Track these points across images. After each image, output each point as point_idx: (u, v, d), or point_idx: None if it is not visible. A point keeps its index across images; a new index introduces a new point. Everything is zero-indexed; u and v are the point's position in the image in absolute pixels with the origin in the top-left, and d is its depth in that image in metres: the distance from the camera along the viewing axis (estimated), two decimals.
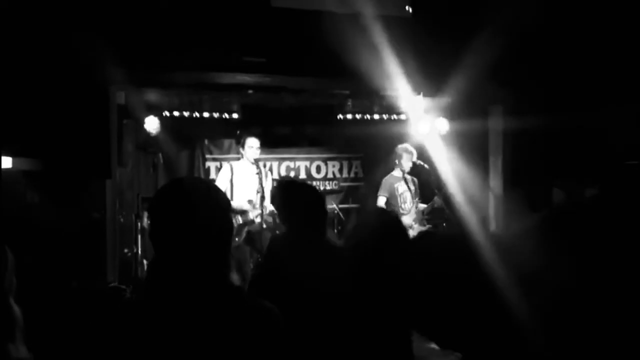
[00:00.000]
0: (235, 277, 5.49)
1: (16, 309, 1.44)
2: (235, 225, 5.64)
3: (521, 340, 0.78)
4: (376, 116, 7.60)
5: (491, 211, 6.93)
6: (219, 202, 1.59)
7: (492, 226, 6.78)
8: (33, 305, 1.63)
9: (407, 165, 6.52)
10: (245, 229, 5.70)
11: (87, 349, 1.49)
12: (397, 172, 6.59)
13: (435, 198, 6.46)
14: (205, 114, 7.18)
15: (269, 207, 5.84)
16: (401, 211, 6.49)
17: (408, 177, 6.61)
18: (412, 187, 6.59)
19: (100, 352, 1.46)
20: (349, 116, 7.63)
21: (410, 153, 6.54)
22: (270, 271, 2.61)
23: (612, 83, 5.34)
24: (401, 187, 6.55)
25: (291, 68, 5.31)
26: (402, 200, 6.51)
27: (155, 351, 1.40)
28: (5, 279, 1.42)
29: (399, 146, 6.64)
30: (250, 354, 1.44)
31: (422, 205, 6.60)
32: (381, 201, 6.60)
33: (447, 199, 6.46)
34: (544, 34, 5.21)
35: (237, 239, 5.63)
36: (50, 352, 1.50)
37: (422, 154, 6.81)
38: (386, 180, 6.65)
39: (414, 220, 6.39)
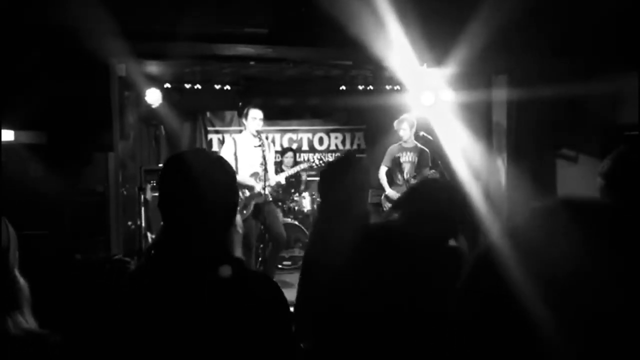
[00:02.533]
0: (239, 250, 5.54)
1: (22, 280, 1.45)
2: (242, 199, 5.67)
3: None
4: (379, 87, 7.54)
5: (495, 183, 6.92)
6: (226, 173, 1.60)
7: (494, 197, 6.77)
8: (37, 279, 1.64)
9: (406, 135, 6.53)
10: (253, 202, 5.73)
11: (91, 320, 1.51)
12: (403, 143, 6.61)
13: (430, 172, 6.46)
14: (207, 86, 7.14)
15: (273, 179, 5.86)
16: (397, 182, 6.52)
17: (416, 147, 6.59)
18: (415, 159, 6.57)
19: (104, 322, 1.47)
20: (352, 87, 7.57)
21: (409, 123, 6.53)
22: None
23: (618, 51, 5.28)
24: (403, 158, 6.57)
25: (293, 39, 5.24)
26: (400, 170, 6.54)
27: (156, 321, 1.42)
28: (9, 252, 1.43)
29: (400, 117, 6.65)
30: (252, 323, 1.45)
31: None
32: (382, 170, 6.65)
33: (449, 170, 6.45)
34: (550, 1, 5.13)
35: (244, 212, 5.66)
36: (55, 324, 1.52)
37: (425, 125, 6.78)
38: (390, 149, 6.67)
39: None
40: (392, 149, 6.66)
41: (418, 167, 6.55)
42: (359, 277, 2.12)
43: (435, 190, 2.29)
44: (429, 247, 2.10)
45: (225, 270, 1.46)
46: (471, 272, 0.78)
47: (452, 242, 2.17)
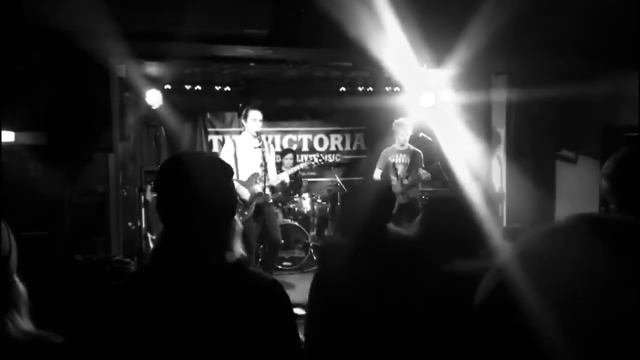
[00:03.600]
0: (240, 248, 5.53)
1: (21, 286, 1.46)
2: (246, 200, 5.68)
3: None
4: (379, 88, 7.55)
5: (495, 183, 6.93)
6: (222, 175, 1.60)
7: (494, 198, 6.77)
8: (37, 280, 1.65)
9: (402, 138, 6.57)
10: (254, 202, 5.74)
11: (91, 321, 1.51)
12: (395, 145, 6.65)
13: (421, 172, 6.47)
14: (207, 87, 7.15)
15: (274, 178, 5.86)
16: (391, 182, 6.55)
17: (409, 149, 6.62)
18: (408, 160, 6.61)
19: (105, 323, 1.48)
20: (352, 88, 7.57)
21: (405, 126, 6.56)
22: None
23: (618, 51, 5.28)
24: (396, 159, 6.62)
25: (293, 40, 5.25)
26: (393, 172, 6.58)
27: (157, 322, 1.42)
28: (10, 259, 1.44)
29: (396, 121, 6.68)
30: (254, 323, 1.46)
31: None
32: (376, 173, 6.70)
33: (448, 171, 6.47)
34: (550, 2, 5.14)
35: (246, 213, 5.68)
36: (55, 325, 1.52)
37: (425, 126, 6.79)
38: (384, 152, 6.73)
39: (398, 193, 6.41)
40: (386, 152, 6.71)
41: (410, 167, 6.59)
42: (373, 293, 2.13)
43: (452, 211, 2.29)
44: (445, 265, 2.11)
45: (226, 270, 1.47)
46: (486, 294, 0.75)
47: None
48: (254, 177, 5.75)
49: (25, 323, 1.44)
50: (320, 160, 6.54)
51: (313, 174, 8.44)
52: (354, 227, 2.42)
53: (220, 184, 1.57)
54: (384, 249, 2.30)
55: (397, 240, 2.38)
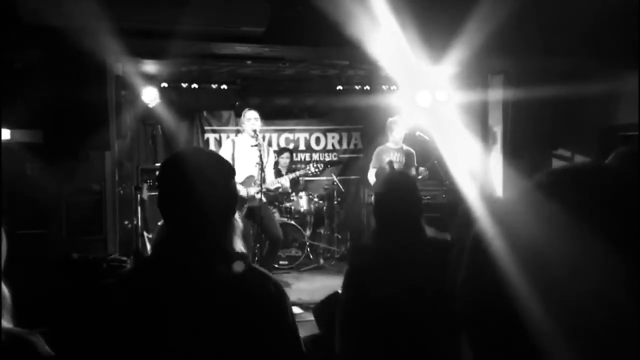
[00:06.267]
0: (240, 245, 5.53)
1: (4, 288, 1.48)
2: (243, 197, 5.69)
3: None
4: (375, 87, 7.54)
5: (491, 183, 6.93)
6: (224, 169, 1.62)
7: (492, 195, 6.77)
8: (33, 278, 1.65)
9: (397, 136, 6.57)
10: (246, 205, 5.74)
11: (89, 319, 1.51)
12: (389, 144, 6.64)
13: (420, 169, 6.47)
14: (204, 86, 7.13)
15: (269, 183, 5.86)
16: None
17: (402, 149, 6.62)
18: (402, 159, 6.61)
19: (101, 322, 1.48)
20: (349, 87, 7.56)
21: (400, 125, 6.56)
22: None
23: (617, 51, 5.28)
24: (391, 158, 6.61)
25: (289, 38, 5.24)
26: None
27: (158, 317, 1.43)
28: (0, 263, 1.45)
29: (390, 119, 6.68)
30: (253, 318, 1.46)
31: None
32: (371, 173, 6.68)
33: (445, 170, 6.47)
34: (548, 1, 5.15)
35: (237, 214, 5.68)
36: (50, 324, 1.52)
37: (421, 125, 6.79)
38: (378, 151, 6.72)
39: None
40: (380, 151, 6.71)
41: (405, 167, 6.59)
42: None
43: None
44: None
45: (237, 266, 1.47)
46: (464, 263, 0.75)
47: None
48: (249, 179, 5.75)
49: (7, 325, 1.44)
50: (317, 170, 6.55)
51: (311, 174, 8.44)
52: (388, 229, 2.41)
53: (220, 182, 1.57)
54: (421, 250, 2.33)
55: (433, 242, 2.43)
